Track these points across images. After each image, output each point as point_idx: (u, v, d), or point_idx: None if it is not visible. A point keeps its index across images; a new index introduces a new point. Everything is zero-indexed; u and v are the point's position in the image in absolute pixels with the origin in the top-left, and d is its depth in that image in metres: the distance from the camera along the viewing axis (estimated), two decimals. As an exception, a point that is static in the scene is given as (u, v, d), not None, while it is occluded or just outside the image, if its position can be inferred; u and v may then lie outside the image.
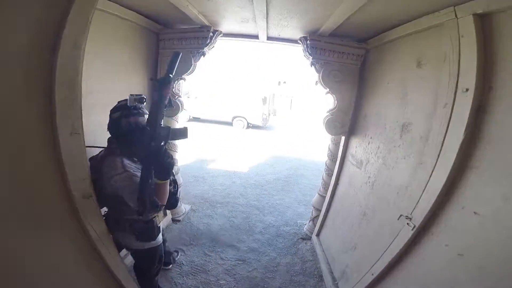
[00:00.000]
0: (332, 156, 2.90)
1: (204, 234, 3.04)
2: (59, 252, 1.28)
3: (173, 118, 2.96)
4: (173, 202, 1.50)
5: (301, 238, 3.19)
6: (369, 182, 1.98)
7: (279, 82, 29.08)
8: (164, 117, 1.26)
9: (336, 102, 2.40)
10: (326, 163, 3.05)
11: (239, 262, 2.64)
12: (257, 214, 3.67)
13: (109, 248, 1.53)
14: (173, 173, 1.58)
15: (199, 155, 6.57)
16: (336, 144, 2.83)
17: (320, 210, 3.05)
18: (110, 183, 1.26)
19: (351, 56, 2.30)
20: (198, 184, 4.57)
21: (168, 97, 1.17)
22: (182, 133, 1.29)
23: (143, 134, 1.16)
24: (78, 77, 1.14)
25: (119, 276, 1.67)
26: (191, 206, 3.65)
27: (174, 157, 1.60)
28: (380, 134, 1.90)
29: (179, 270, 2.45)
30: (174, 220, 3.22)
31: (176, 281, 2.32)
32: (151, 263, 1.74)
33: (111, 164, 1.29)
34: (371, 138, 2.05)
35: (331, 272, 2.36)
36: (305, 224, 3.43)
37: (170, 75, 1.16)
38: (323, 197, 2.97)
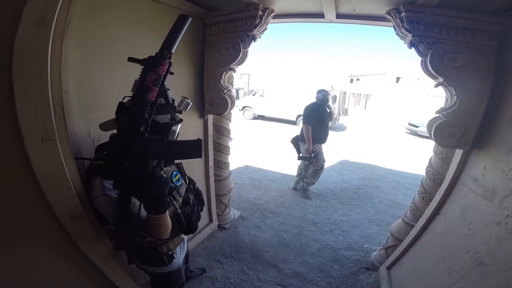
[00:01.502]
0: (435, 176, 2.06)
1: (247, 248, 2.67)
2: (58, 276, 1.12)
3: (224, 115, 2.67)
4: (188, 228, 1.13)
5: (365, 267, 2.48)
6: (507, 223, 1.19)
7: (352, 80, 26.63)
8: (170, 121, 0.90)
9: (455, 98, 1.59)
10: (422, 183, 2.21)
11: (278, 288, 2.15)
12: (312, 231, 3.06)
13: (114, 268, 1.28)
14: (192, 188, 1.23)
15: (259, 155, 6.28)
16: (444, 160, 1.98)
17: (400, 240, 2.26)
18: (93, 204, 0.99)
19: (480, 34, 1.48)
20: (253, 187, 4.24)
21: (158, 87, 0.74)
22: (189, 149, 0.85)
23: (112, 145, 0.78)
24: (46, 65, 0.85)
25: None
26: (241, 213, 3.32)
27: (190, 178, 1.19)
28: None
29: (210, 286, 2.14)
30: (220, 227, 2.95)
31: (204, 299, 2.00)
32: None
33: (90, 184, 1.01)
34: None
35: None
36: (374, 251, 2.68)
37: (164, 51, 0.76)
38: (409, 226, 2.18)
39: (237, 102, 14.94)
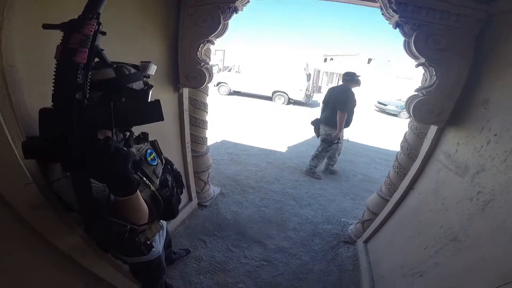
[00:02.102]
0: (409, 151, 2.15)
1: (230, 225, 2.67)
2: (28, 272, 0.99)
3: (200, 89, 2.49)
4: (167, 213, 1.01)
5: (343, 241, 2.63)
6: (478, 199, 1.26)
7: (325, 59, 26.74)
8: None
9: (435, 78, 1.63)
10: (397, 157, 2.30)
11: (264, 264, 2.22)
12: (293, 205, 3.14)
13: (92, 257, 1.16)
14: (169, 169, 1.11)
15: (236, 130, 6.16)
16: (419, 136, 2.06)
17: (376, 214, 2.40)
18: (53, 190, 0.84)
19: (462, 19, 1.52)
20: (232, 163, 4.17)
21: (87, 48, 0.59)
22: (146, 112, 0.73)
23: (46, 121, 0.63)
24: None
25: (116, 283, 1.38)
26: (221, 189, 3.28)
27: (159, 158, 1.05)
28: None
29: (196, 267, 2.11)
30: (200, 205, 2.89)
31: (191, 279, 1.99)
32: (146, 278, 1.36)
33: (47, 166, 0.84)
34: (495, 135, 1.26)
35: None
36: (351, 224, 2.84)
37: (88, 12, 0.61)
38: (384, 200, 2.30)
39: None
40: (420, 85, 1.89)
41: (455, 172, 1.51)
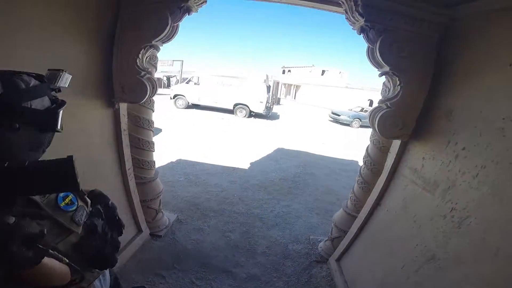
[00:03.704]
0: (373, 166, 2.12)
1: (191, 256, 2.34)
2: None
3: (144, 104, 2.15)
4: (101, 263, 0.80)
5: (315, 260, 2.50)
6: (453, 216, 1.22)
7: (284, 71, 28.11)
8: None
9: (399, 88, 1.61)
10: (360, 172, 2.27)
11: (236, 296, 1.95)
12: (259, 227, 2.93)
13: None
14: (98, 210, 0.85)
15: (193, 147, 5.79)
16: (382, 150, 2.05)
17: (344, 231, 2.33)
18: None
19: (426, 25, 1.54)
20: (189, 184, 3.81)
21: None
22: (55, 176, 0.55)
23: None
24: None
25: None
26: (177, 216, 2.90)
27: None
28: (489, 145, 1.10)
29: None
30: (153, 236, 2.49)
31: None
32: None
33: None
34: (463, 149, 1.25)
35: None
36: (320, 241, 2.73)
37: None
38: (351, 216, 2.24)
39: (167, 91, 13.64)
40: (381, 96, 1.89)
41: (423, 188, 1.49)
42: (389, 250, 1.67)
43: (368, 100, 18.85)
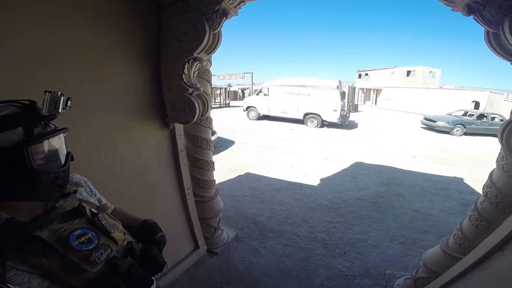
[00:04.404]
0: (499, 199, 1.49)
1: (241, 277, 2.21)
2: None
3: (201, 123, 2.16)
4: None
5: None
6: None
7: (360, 75, 25.68)
8: None
9: None
10: (477, 206, 1.63)
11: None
12: (322, 254, 2.52)
13: None
14: (131, 247, 0.83)
15: (262, 160, 5.78)
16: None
17: (436, 273, 1.72)
18: None
19: None
20: (253, 200, 3.73)
21: None
22: None
23: None
24: None
25: None
26: (237, 233, 2.83)
27: None
28: None
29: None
30: (210, 252, 2.49)
31: None
32: None
33: None
34: None
35: None
36: (398, 277, 2.17)
37: None
38: (451, 258, 1.63)
39: (241, 103, 14.48)
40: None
41: None
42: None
43: (473, 102, 15.13)
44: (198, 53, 1.63)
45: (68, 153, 0.71)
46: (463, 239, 1.63)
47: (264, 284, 2.13)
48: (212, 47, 1.68)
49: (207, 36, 1.55)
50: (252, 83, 20.11)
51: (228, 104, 17.30)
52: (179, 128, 2.01)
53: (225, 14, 1.56)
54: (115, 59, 1.57)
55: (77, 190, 0.79)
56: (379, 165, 5.78)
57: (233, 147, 6.79)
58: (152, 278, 0.82)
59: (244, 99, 15.16)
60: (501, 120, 10.48)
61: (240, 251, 2.54)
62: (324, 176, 4.94)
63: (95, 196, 0.90)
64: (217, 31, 1.61)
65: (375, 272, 2.30)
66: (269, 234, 2.84)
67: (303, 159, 6.08)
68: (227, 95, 17.57)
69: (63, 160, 0.69)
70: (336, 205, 3.67)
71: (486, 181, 1.59)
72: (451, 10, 1.30)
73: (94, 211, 0.75)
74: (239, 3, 1.58)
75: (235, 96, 21.07)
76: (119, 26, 1.54)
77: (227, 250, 2.55)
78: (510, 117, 1.33)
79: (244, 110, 12.34)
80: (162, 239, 0.90)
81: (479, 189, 4.07)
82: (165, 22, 1.66)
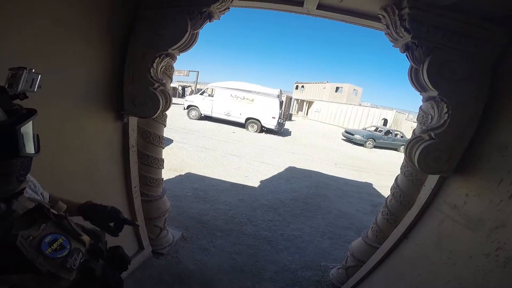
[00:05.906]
0: (402, 198, 1.95)
1: (194, 277, 2.19)
2: None
3: (156, 118, 2.06)
4: None
5: (326, 289, 2.28)
6: (498, 255, 1.06)
7: (297, 86, 28.23)
8: None
9: (446, 116, 1.41)
10: (387, 203, 2.09)
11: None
12: (268, 250, 2.75)
13: None
14: (101, 245, 0.77)
15: (204, 160, 5.74)
16: (414, 182, 1.87)
17: (362, 261, 2.13)
18: None
19: (483, 44, 1.34)
20: (197, 200, 3.69)
21: None
22: None
23: None
24: None
25: None
26: (183, 233, 2.77)
27: None
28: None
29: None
30: (155, 253, 2.37)
31: None
32: None
33: None
34: None
35: None
36: (332, 268, 2.54)
37: None
38: (371, 247, 2.05)
39: (182, 100, 13.89)
40: (418, 124, 1.67)
41: (465, 225, 1.32)
42: (415, 286, 1.48)
43: (383, 119, 18.43)
44: (173, 50, 1.60)
45: (37, 136, 0.61)
46: (379, 231, 2.10)
47: (219, 281, 2.19)
48: (187, 46, 1.67)
49: (187, 34, 1.54)
50: (197, 82, 19.24)
51: (167, 100, 16.14)
52: (132, 122, 1.87)
53: (209, 17, 1.59)
54: (75, 40, 1.36)
55: (25, 188, 0.68)
56: (308, 169, 6.52)
57: (171, 145, 6.46)
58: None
59: (185, 97, 14.53)
60: (401, 136, 12.99)
61: (189, 251, 2.51)
62: (263, 178, 5.28)
63: (38, 191, 0.79)
64: (196, 31, 1.62)
65: (312, 264, 2.63)
66: (217, 233, 2.89)
67: (244, 162, 6.31)
68: (165, 90, 16.35)
69: (35, 143, 0.60)
70: (275, 205, 4.00)
71: (393, 184, 2.08)
72: (393, 46, 1.60)
73: (54, 212, 0.67)
74: (224, 9, 1.64)
75: (174, 93, 19.77)
76: (83, 3, 1.35)
77: (174, 251, 2.48)
78: (411, 136, 1.67)
79: (184, 109, 11.88)
80: (128, 221, 0.91)
81: (384, 193, 5.12)
82: (142, 12, 1.56)
